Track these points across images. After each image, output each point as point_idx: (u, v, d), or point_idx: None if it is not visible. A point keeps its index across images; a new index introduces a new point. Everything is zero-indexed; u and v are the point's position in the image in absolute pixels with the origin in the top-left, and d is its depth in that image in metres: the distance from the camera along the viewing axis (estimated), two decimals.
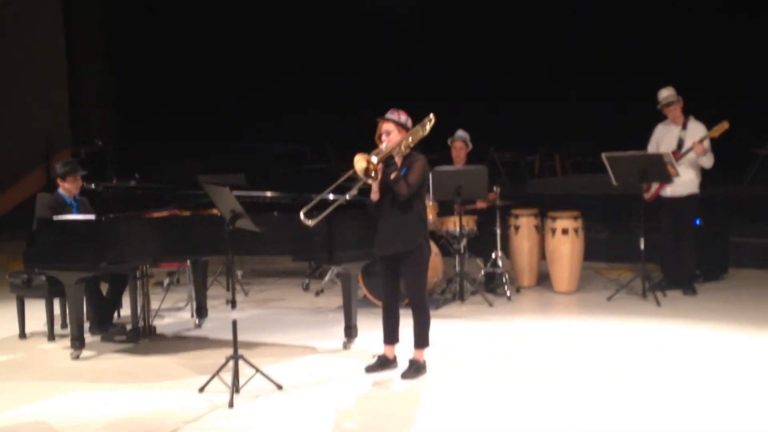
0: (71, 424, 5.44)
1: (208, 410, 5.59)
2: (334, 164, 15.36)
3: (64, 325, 7.75)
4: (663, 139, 8.66)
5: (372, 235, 6.27)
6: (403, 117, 6.12)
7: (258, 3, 16.58)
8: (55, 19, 16.36)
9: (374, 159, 5.82)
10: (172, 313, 8.48)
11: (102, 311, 7.47)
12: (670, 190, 8.57)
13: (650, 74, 10.69)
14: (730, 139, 8.59)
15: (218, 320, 7.94)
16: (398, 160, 6.07)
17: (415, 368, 6.17)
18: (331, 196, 6.36)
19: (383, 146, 6.03)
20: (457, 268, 8.58)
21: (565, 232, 8.82)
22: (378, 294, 7.65)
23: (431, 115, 6.04)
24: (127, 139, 16.09)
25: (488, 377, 6.10)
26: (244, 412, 5.54)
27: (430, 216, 8.20)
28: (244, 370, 5.92)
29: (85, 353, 6.94)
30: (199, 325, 7.90)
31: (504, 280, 8.75)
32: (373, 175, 5.82)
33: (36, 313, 7.76)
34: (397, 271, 6.20)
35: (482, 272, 8.90)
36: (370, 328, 7.04)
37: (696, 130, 8.52)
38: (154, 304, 7.85)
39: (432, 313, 6.41)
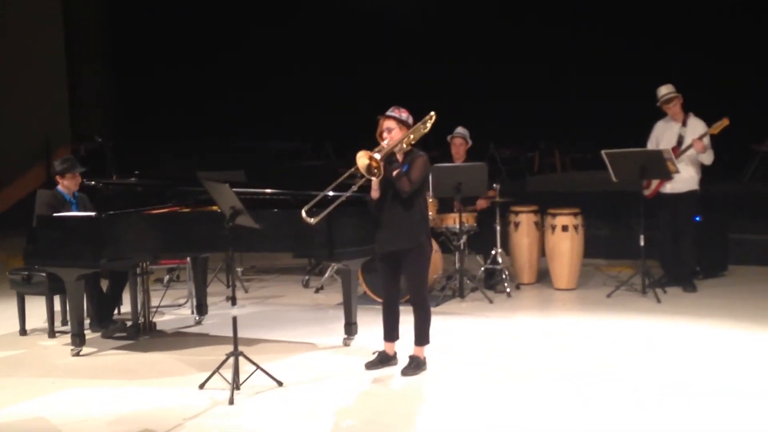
0: (71, 421, 5.45)
1: (209, 407, 5.59)
2: (334, 161, 15.37)
3: (64, 322, 7.76)
4: (663, 135, 8.67)
5: (372, 231, 6.27)
6: (404, 114, 6.12)
7: (257, 2, 16.57)
8: (55, 18, 16.37)
9: (377, 156, 5.82)
10: (172, 309, 8.48)
11: (102, 308, 7.48)
12: (669, 187, 8.57)
13: (650, 72, 10.70)
14: (729, 136, 8.59)
15: (218, 317, 7.95)
16: (399, 157, 6.07)
17: (415, 365, 6.18)
18: (331, 193, 6.36)
19: (385, 143, 6.03)
20: (457, 265, 8.59)
21: (564, 228, 8.82)
22: (378, 291, 7.66)
23: (432, 113, 6.05)
24: (126, 137, 16.10)
25: (487, 375, 6.10)
26: (245, 408, 5.55)
27: (430, 213, 8.21)
28: (244, 367, 5.92)
29: (85, 350, 6.94)
30: (199, 322, 7.91)
31: (504, 277, 8.76)
32: (375, 172, 5.82)
33: (36, 309, 7.77)
34: (397, 268, 6.21)
35: (482, 269, 8.90)
36: (370, 325, 7.05)
37: (696, 127, 8.52)
38: (154, 301, 7.86)
39: (432, 309, 6.42)
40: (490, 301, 8.35)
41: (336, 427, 5.26)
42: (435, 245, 7.99)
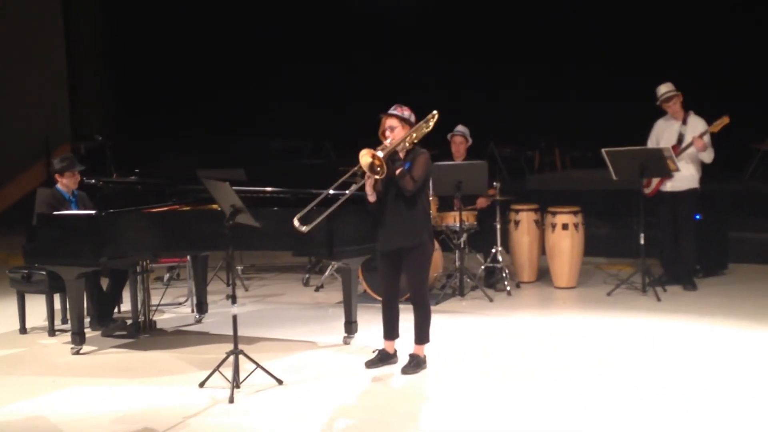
0: (71, 419, 5.45)
1: (209, 405, 5.59)
2: (334, 160, 15.37)
3: (64, 321, 7.76)
4: (663, 134, 8.66)
5: (372, 230, 6.27)
6: (407, 112, 6.12)
7: (256, 2, 16.57)
8: (55, 16, 16.36)
9: (379, 154, 5.81)
10: (172, 308, 8.48)
11: (102, 306, 7.48)
12: (670, 185, 8.57)
13: (650, 71, 10.68)
14: (729, 135, 8.58)
15: (218, 315, 7.95)
16: (401, 155, 6.06)
17: (415, 363, 6.18)
18: (331, 192, 6.36)
19: (387, 142, 6.03)
20: (457, 264, 8.59)
21: (565, 227, 8.82)
22: (378, 289, 7.66)
23: (435, 112, 6.04)
24: (125, 135, 16.10)
25: (487, 373, 6.10)
26: (245, 407, 5.55)
27: (431, 211, 8.20)
28: (245, 366, 5.92)
29: (85, 348, 6.94)
30: (199, 320, 7.91)
31: (504, 276, 8.76)
32: (378, 170, 5.81)
33: (36, 308, 7.77)
34: (398, 266, 6.21)
35: (482, 267, 8.90)
36: (370, 323, 7.06)
37: (696, 125, 8.52)
38: (154, 300, 7.86)
39: (432, 308, 6.43)
40: (491, 300, 8.35)
41: (336, 426, 5.26)
42: (435, 243, 7.99)
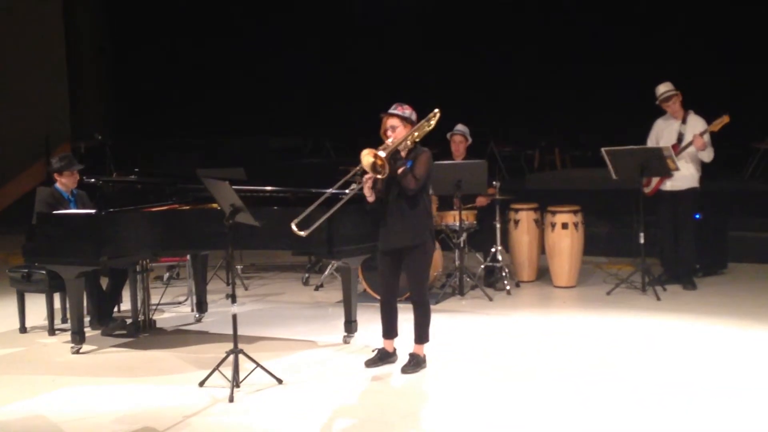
0: (71, 418, 5.45)
1: (209, 404, 5.60)
2: (333, 159, 15.37)
3: (64, 320, 7.76)
4: (663, 133, 8.66)
5: (372, 229, 6.27)
6: (408, 111, 6.11)
7: (256, 1, 16.56)
8: (56, 16, 16.36)
9: (381, 154, 5.81)
10: (171, 307, 8.48)
11: (102, 305, 7.47)
12: (670, 184, 8.57)
13: (650, 70, 10.68)
14: (729, 134, 8.59)
15: (218, 314, 7.95)
16: (403, 154, 6.05)
17: (415, 362, 6.18)
18: (331, 191, 6.36)
19: (389, 141, 6.02)
20: (457, 263, 8.59)
21: (564, 226, 8.82)
22: (378, 288, 7.65)
23: (436, 110, 6.04)
24: (125, 135, 16.11)
25: (487, 373, 6.10)
26: (244, 406, 5.55)
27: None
28: (244, 365, 5.92)
29: (85, 347, 6.94)
30: (199, 320, 7.91)
31: (504, 275, 8.75)
32: (380, 170, 5.80)
33: (36, 307, 7.77)
34: (398, 265, 6.20)
35: (482, 267, 8.90)
36: (370, 323, 7.05)
37: (696, 125, 8.51)
38: (154, 299, 7.86)
39: (432, 307, 6.42)
40: (490, 299, 8.35)
41: (336, 425, 5.26)
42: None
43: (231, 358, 5.85)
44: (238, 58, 16.52)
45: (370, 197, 6.04)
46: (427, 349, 6.28)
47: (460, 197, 8.36)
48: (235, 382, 5.77)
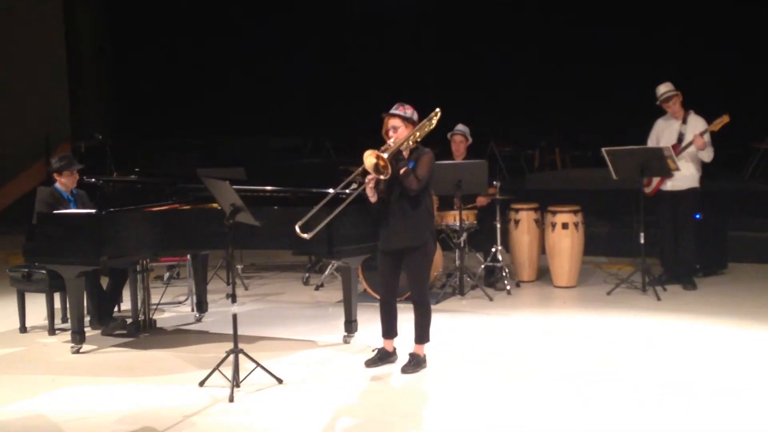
0: (71, 418, 5.45)
1: (209, 404, 5.60)
2: (333, 159, 15.37)
3: (64, 319, 7.77)
4: (663, 133, 8.66)
5: (372, 229, 6.27)
6: (409, 111, 6.10)
7: (256, 1, 16.56)
8: (56, 16, 16.36)
9: (384, 155, 5.80)
10: (172, 307, 8.48)
11: (102, 305, 7.47)
12: (670, 184, 8.57)
13: (650, 70, 10.68)
14: (729, 134, 8.59)
15: (218, 314, 7.95)
16: (405, 154, 6.05)
17: (415, 362, 6.18)
18: (331, 190, 6.36)
19: (391, 142, 6.01)
20: (457, 263, 8.59)
21: (565, 226, 8.82)
22: (378, 288, 7.65)
23: (437, 110, 6.04)
24: (125, 135, 16.10)
25: (487, 373, 6.10)
26: (245, 406, 5.55)
27: None
28: (245, 365, 5.92)
29: (85, 347, 6.94)
30: (199, 319, 7.91)
31: (504, 275, 8.75)
32: (383, 171, 5.79)
33: (36, 307, 7.77)
34: (399, 265, 6.20)
35: (482, 267, 8.90)
36: (370, 322, 7.05)
37: (696, 125, 8.51)
38: (155, 298, 7.86)
39: (432, 307, 6.41)
40: (490, 299, 8.35)
41: (336, 425, 5.26)
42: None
43: (231, 357, 5.85)
44: (238, 58, 16.52)
45: (373, 198, 6.03)
46: (427, 349, 6.28)
47: (460, 197, 8.36)
48: (235, 382, 5.77)
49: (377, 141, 6.08)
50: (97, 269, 7.09)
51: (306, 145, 17.13)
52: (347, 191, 6.26)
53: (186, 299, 8.55)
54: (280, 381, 5.92)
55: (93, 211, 7.12)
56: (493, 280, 8.90)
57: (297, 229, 6.02)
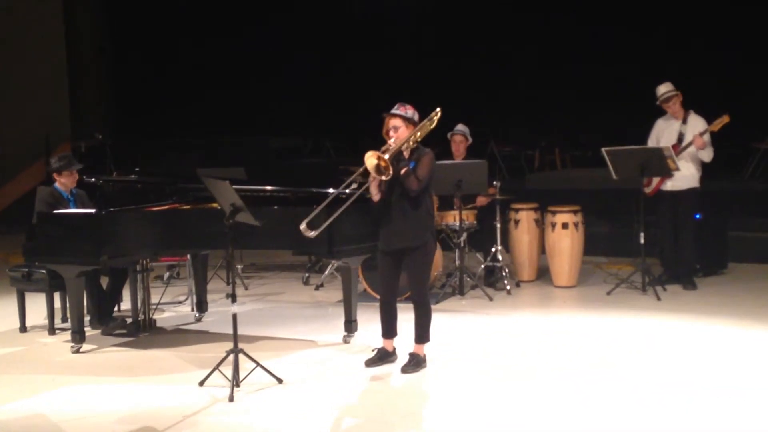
0: (71, 418, 5.45)
1: (208, 404, 5.60)
2: (334, 158, 15.38)
3: (64, 319, 7.77)
4: (663, 133, 8.66)
5: (371, 229, 6.26)
6: (410, 111, 6.10)
7: (256, 1, 16.57)
8: (56, 15, 16.36)
9: (385, 156, 5.79)
10: (172, 307, 8.48)
11: (102, 305, 7.47)
12: (670, 184, 8.57)
13: (650, 69, 10.68)
14: (729, 134, 8.59)
15: (218, 314, 7.95)
16: (406, 154, 6.04)
17: (415, 362, 6.18)
18: (331, 190, 6.36)
19: (392, 142, 6.01)
20: (457, 262, 8.59)
21: (565, 226, 8.82)
22: (378, 288, 7.65)
23: (438, 109, 6.04)
24: (125, 135, 16.10)
25: (487, 373, 6.10)
26: (245, 406, 5.55)
27: None
28: (244, 364, 5.92)
29: (85, 347, 6.94)
30: (199, 319, 7.92)
31: (504, 275, 8.76)
32: (384, 171, 5.79)
33: (36, 306, 7.77)
34: (399, 265, 6.20)
35: (482, 266, 8.90)
36: (370, 322, 7.05)
37: (696, 125, 8.51)
38: (154, 298, 7.86)
39: (432, 307, 6.41)
40: (490, 299, 8.35)
41: (336, 425, 5.26)
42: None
43: (231, 357, 5.85)
44: (238, 58, 16.51)
45: (377, 196, 6.03)
46: (427, 349, 6.28)
47: (460, 197, 8.36)
48: (235, 382, 5.77)
49: (377, 141, 6.08)
50: (97, 269, 7.09)
51: (306, 145, 17.13)
52: (347, 191, 6.26)
53: (186, 299, 8.55)
54: (280, 381, 5.92)
55: (93, 210, 7.12)
56: (493, 280, 8.90)
57: (303, 225, 6.01)
